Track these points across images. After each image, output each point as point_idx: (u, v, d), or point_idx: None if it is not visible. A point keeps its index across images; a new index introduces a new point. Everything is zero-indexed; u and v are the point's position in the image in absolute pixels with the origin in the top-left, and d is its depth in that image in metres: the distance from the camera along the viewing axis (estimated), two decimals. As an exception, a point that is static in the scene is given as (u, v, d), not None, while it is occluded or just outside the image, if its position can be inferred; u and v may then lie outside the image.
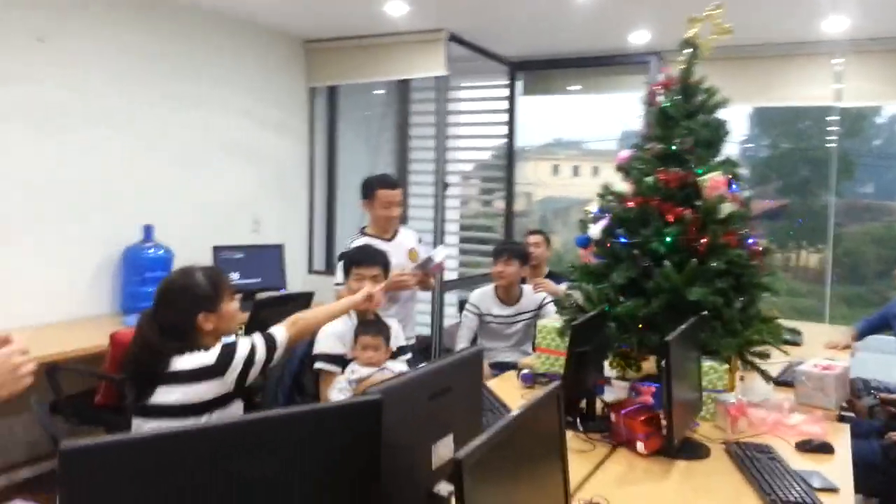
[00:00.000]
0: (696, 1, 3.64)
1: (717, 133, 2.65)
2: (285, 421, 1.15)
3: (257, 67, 4.83)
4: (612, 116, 7.31)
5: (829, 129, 5.57)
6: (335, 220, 5.45)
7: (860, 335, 3.79)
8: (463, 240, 6.01)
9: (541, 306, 3.76)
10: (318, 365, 2.70)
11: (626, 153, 2.77)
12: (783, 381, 2.80)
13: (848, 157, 9.14)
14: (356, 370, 2.65)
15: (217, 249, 4.30)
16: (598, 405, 2.42)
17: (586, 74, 5.80)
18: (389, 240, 3.46)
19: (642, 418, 2.09)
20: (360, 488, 1.18)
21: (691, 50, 2.70)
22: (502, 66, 5.51)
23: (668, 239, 2.48)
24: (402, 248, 3.51)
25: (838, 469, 2.00)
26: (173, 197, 4.29)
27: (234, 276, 4.30)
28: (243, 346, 2.02)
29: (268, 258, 4.66)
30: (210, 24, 4.47)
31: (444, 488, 1.42)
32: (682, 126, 2.60)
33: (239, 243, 4.54)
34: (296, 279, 4.98)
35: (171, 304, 2.00)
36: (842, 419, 2.53)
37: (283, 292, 4.52)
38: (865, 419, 3.05)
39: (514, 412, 1.22)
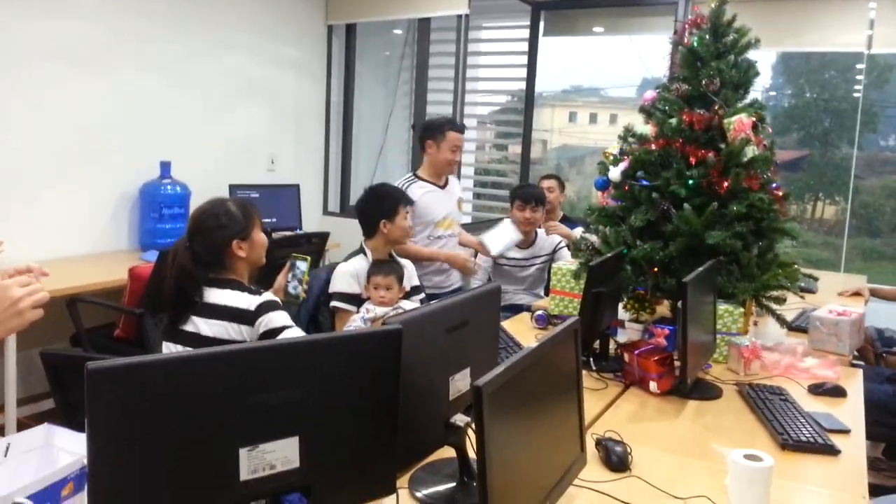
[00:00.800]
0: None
1: (746, 75, 2.59)
2: (308, 348, 1.17)
3: (274, 5, 4.74)
4: (633, 61, 7.16)
5: (856, 78, 5.42)
6: (350, 162, 5.42)
7: None
8: (477, 184, 5.99)
9: (555, 250, 3.75)
10: (333, 303, 2.74)
11: (651, 94, 2.71)
12: (797, 327, 2.80)
13: (872, 109, 8.95)
14: (370, 309, 2.68)
15: (233, 188, 4.30)
16: (612, 346, 2.44)
17: (611, 15, 5.64)
18: (443, 187, 3.52)
19: (655, 358, 2.11)
20: (381, 415, 1.21)
21: (722, -13, 2.61)
22: (525, 4, 5.36)
23: (689, 182, 2.45)
24: (453, 197, 3.59)
25: (850, 412, 2.02)
26: (192, 135, 4.28)
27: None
28: (283, 316, 2.05)
29: (284, 198, 4.66)
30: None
31: (460, 419, 1.46)
32: (711, 66, 2.53)
33: (255, 182, 4.54)
34: (311, 220, 5.00)
35: (206, 232, 2.05)
36: (854, 365, 2.53)
37: (298, 232, 4.54)
38: (874, 365, 3.07)
39: (533, 345, 1.23)
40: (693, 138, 2.50)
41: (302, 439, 1.10)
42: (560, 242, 3.75)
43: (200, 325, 2.00)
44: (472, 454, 1.45)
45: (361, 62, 5.43)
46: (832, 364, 2.34)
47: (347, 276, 2.78)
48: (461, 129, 3.45)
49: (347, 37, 5.27)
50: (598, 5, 5.31)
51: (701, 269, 2.14)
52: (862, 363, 2.91)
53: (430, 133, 3.41)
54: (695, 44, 2.60)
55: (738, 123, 2.45)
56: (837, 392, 2.15)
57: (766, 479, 1.41)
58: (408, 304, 2.97)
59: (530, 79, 5.51)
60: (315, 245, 3.82)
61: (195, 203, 3.94)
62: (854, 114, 5.46)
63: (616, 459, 1.58)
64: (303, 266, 2.54)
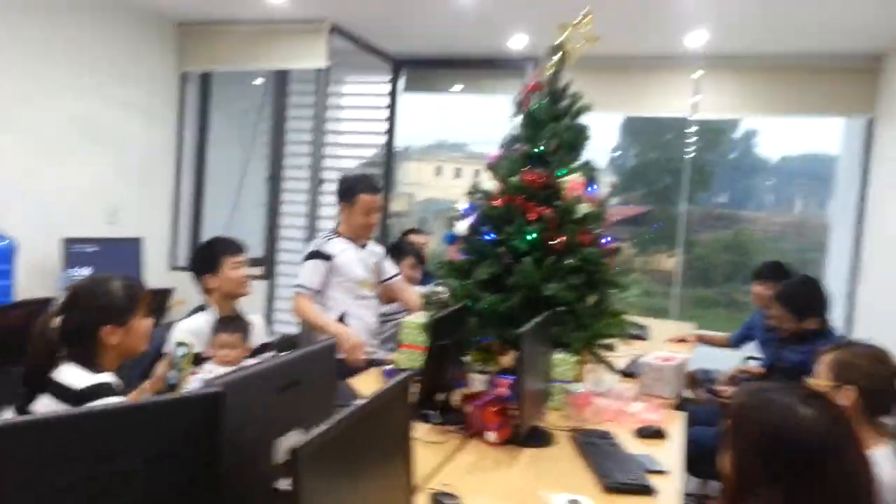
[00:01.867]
0: (573, 10, 3.84)
1: (579, 137, 2.79)
2: (120, 415, 1.11)
3: (123, 48, 4.57)
4: (493, 119, 7.52)
5: (687, 140, 6.00)
6: (203, 214, 5.24)
7: (733, 344, 4.12)
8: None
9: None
10: None
11: (496, 153, 2.86)
12: (629, 373, 2.99)
13: (705, 168, 9.91)
14: (212, 370, 2.57)
15: (68, 241, 4.02)
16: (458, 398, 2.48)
17: (469, 76, 5.92)
18: (362, 247, 3.27)
19: (494, 409, 2.18)
20: (202, 485, 1.16)
21: (560, 55, 2.82)
22: (385, 62, 5.51)
23: (528, 236, 2.58)
24: (370, 260, 3.31)
25: (670, 454, 2.17)
26: (20, 184, 3.96)
27: (86, 271, 4.04)
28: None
29: (124, 252, 4.41)
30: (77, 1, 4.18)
31: (286, 483, 1.42)
32: (549, 129, 2.72)
33: (94, 235, 4.26)
34: (157, 275, 4.75)
35: (78, 309, 1.84)
36: (680, 407, 2.74)
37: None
38: (704, 406, 3.32)
39: (358, 402, 1.23)
40: (532, 195, 2.66)
41: (103, 519, 1.03)
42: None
43: (39, 406, 1.80)
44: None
45: (218, 112, 5.32)
46: (657, 407, 2.52)
47: (186, 333, 2.65)
48: (375, 190, 3.16)
49: (203, 85, 5.16)
50: (454, 66, 5.54)
51: (537, 319, 2.25)
52: (695, 407, 3.15)
53: (341, 194, 3.19)
54: (534, 107, 2.79)
55: (572, 183, 2.64)
56: (660, 434, 2.31)
57: (585, 524, 1.49)
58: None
59: (390, 133, 5.64)
60: (157, 303, 3.64)
61: (23, 259, 3.67)
62: (685, 172, 6.00)
63: (449, 513, 1.61)
64: (181, 351, 2.35)
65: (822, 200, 10.16)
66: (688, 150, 5.89)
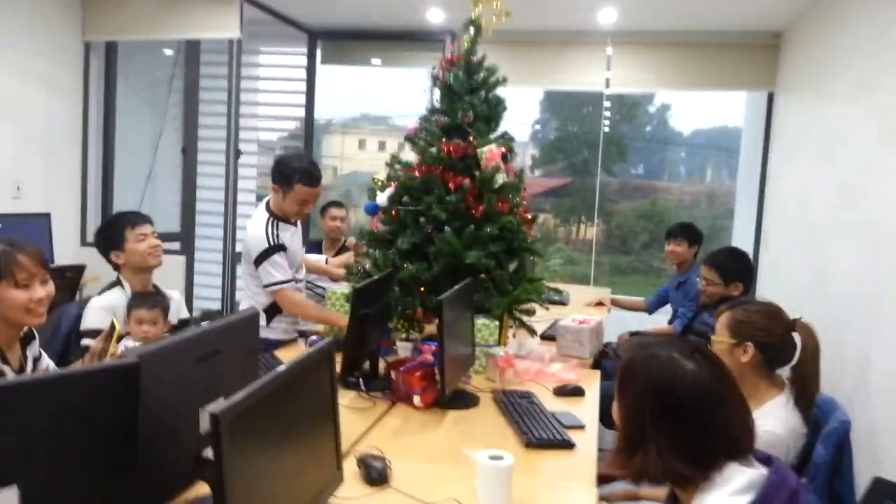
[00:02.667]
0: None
1: (496, 109, 2.85)
2: (34, 387, 1.10)
3: (24, 15, 4.29)
4: (412, 92, 7.51)
5: (602, 112, 6.18)
6: (112, 188, 5.03)
7: (649, 309, 4.32)
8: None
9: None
10: (85, 342, 2.50)
11: (414, 125, 2.88)
12: (548, 336, 3.11)
13: (623, 141, 10.23)
14: (129, 347, 2.51)
15: (-31, 218, 3.80)
16: (382, 365, 2.52)
17: (387, 48, 5.87)
18: (294, 224, 3.06)
19: (419, 374, 2.23)
20: (118, 455, 1.16)
21: (474, 29, 2.85)
22: (301, 33, 5.40)
23: (448, 206, 2.63)
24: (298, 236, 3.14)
25: (587, 409, 2.29)
26: None
27: (-9, 248, 3.83)
28: None
29: (32, 228, 4.19)
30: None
31: (209, 453, 1.43)
32: (465, 101, 2.75)
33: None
34: (66, 251, 4.55)
35: None
36: (596, 365, 2.87)
37: (50, 266, 4.11)
38: (613, 360, 3.49)
39: (281, 368, 1.25)
40: (451, 166, 2.70)
41: (22, 487, 1.02)
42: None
43: None
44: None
45: (126, 83, 5.09)
46: (574, 367, 2.63)
47: (101, 310, 2.57)
48: (314, 181, 2.89)
49: (108, 55, 4.92)
50: (372, 38, 5.48)
51: (457, 286, 2.30)
52: (608, 362, 3.30)
53: (277, 178, 2.91)
54: (451, 80, 2.82)
55: (490, 153, 2.69)
56: (577, 392, 2.43)
57: (507, 476, 1.56)
58: (174, 338, 2.82)
59: (310, 106, 5.55)
60: (70, 279, 3.51)
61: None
62: (606, 146, 6.17)
63: (376, 474, 1.65)
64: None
65: (731, 170, 10.70)
66: (605, 123, 6.08)
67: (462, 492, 1.59)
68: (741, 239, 5.19)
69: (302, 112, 5.57)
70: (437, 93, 2.93)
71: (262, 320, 2.92)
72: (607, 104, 6.42)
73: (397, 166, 2.83)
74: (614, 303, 4.28)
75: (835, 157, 3.40)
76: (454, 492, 1.60)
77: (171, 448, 1.31)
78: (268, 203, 2.98)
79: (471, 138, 2.73)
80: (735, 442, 1.19)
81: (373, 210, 2.88)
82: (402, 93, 6.73)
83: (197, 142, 4.80)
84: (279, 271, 2.84)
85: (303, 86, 5.55)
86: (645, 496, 2.04)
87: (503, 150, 2.75)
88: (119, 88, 4.99)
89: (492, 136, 2.82)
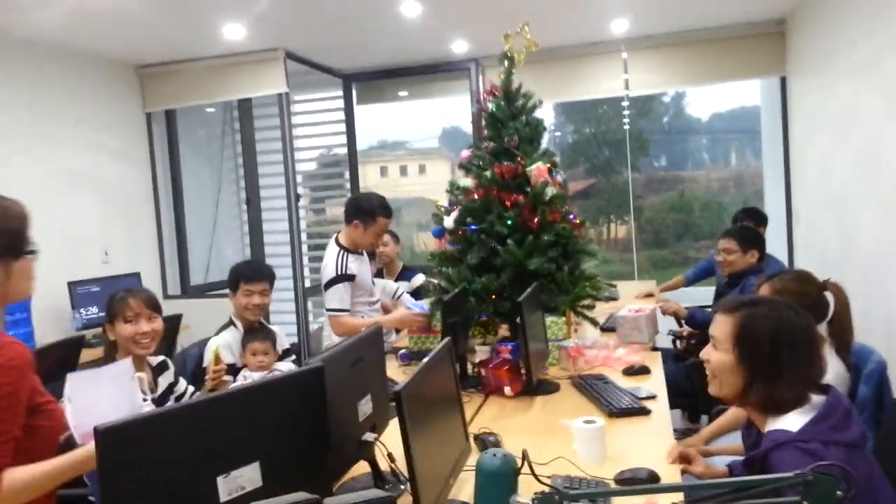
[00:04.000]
0: (507, 13, 4.25)
1: (536, 130, 3.20)
2: (258, 389, 1.46)
3: (91, 96, 4.80)
4: (432, 115, 7.94)
5: (623, 112, 6.48)
6: (185, 243, 5.50)
7: (688, 282, 4.63)
8: (311, 247, 6.29)
9: (396, 296, 4.17)
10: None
11: (466, 153, 3.25)
12: (608, 328, 3.43)
13: (642, 136, 10.44)
14: (248, 375, 2.91)
15: (72, 285, 4.26)
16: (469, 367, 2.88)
17: (413, 82, 6.28)
18: (361, 254, 3.42)
19: (506, 368, 2.58)
20: (315, 437, 1.52)
21: (508, 61, 3.22)
22: (336, 78, 5.84)
23: (508, 221, 2.99)
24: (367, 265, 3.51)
25: (655, 383, 2.62)
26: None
27: (94, 310, 4.29)
28: None
29: (125, 286, 4.64)
30: (39, 56, 4.40)
31: (369, 435, 1.80)
32: (510, 127, 3.12)
33: (91, 276, 4.50)
34: (156, 304, 5.00)
35: None
36: (654, 349, 3.19)
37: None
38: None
39: (425, 360, 1.61)
40: (505, 186, 3.06)
41: (262, 463, 1.39)
42: (398, 289, 4.18)
43: None
44: (381, 464, 1.79)
45: (183, 144, 5.58)
46: (637, 351, 2.96)
47: (220, 348, 2.97)
48: (390, 213, 3.30)
49: (168, 121, 5.41)
50: (402, 75, 5.88)
51: (528, 290, 2.65)
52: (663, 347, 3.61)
53: (360, 214, 3.26)
54: (493, 109, 3.19)
55: (538, 170, 3.04)
56: (644, 371, 2.75)
57: (601, 435, 1.90)
58: (283, 366, 3.22)
59: (351, 143, 5.97)
60: (169, 328, 3.92)
61: (36, 306, 3.90)
62: (625, 143, 6.46)
63: (491, 446, 1.99)
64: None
65: (755, 151, 10.84)
66: (623, 121, 6.39)
67: (565, 453, 1.93)
68: (773, 218, 5.44)
69: (333, 150, 5.96)
70: (480, 122, 3.29)
71: None
72: (625, 103, 6.75)
73: (457, 191, 3.19)
74: (661, 289, 4.59)
75: (849, 131, 3.69)
76: (559, 453, 1.94)
77: (344, 433, 1.68)
78: (336, 238, 3.39)
79: (518, 159, 3.09)
80: (817, 376, 1.53)
81: (439, 233, 3.25)
82: (419, 118, 7.14)
83: (259, 190, 5.24)
84: (337, 300, 3.24)
85: (340, 127, 5.99)
86: (717, 451, 2.34)
87: (548, 165, 3.10)
88: (180, 150, 5.47)
89: (536, 155, 3.16)
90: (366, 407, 1.82)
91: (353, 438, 1.74)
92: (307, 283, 5.25)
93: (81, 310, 4.21)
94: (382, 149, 10.46)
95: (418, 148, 8.99)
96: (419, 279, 4.14)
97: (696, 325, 3.61)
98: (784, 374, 1.50)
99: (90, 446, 1.48)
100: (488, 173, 3.08)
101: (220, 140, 6.09)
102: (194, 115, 5.80)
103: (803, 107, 4.78)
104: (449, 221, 3.13)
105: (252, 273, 3.08)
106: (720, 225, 10.15)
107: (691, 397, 3.49)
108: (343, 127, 5.97)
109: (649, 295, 4.38)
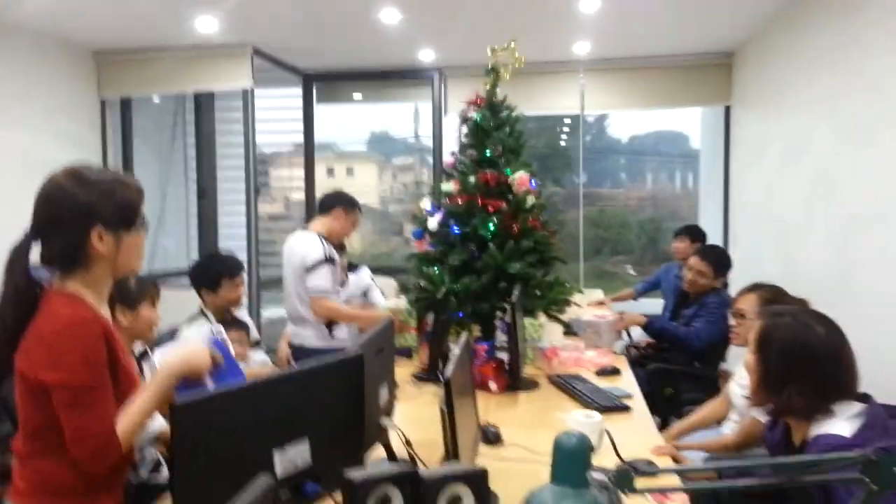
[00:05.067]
0: (478, 28, 4.38)
1: (519, 141, 3.34)
2: (307, 374, 1.52)
3: (43, 78, 4.64)
4: (360, 121, 8.04)
5: (556, 129, 6.72)
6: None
7: (637, 295, 4.87)
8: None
9: (364, 293, 4.22)
10: None
11: (451, 159, 3.36)
12: (569, 331, 3.60)
13: (568, 153, 10.79)
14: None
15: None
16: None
17: (369, 86, 6.35)
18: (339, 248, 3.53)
19: (491, 365, 2.69)
20: (353, 419, 1.59)
21: (494, 74, 3.35)
22: (296, 76, 5.84)
23: (490, 226, 3.11)
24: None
25: (629, 383, 2.79)
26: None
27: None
28: None
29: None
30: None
31: (386, 421, 1.87)
32: (494, 136, 3.25)
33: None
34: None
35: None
36: (618, 353, 3.37)
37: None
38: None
39: (456, 353, 1.71)
40: (489, 192, 3.18)
41: (311, 441, 1.45)
42: (368, 284, 4.23)
43: None
44: (397, 449, 1.87)
45: (137, 134, 5.44)
46: (606, 353, 3.14)
47: (194, 342, 2.95)
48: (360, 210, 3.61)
49: (123, 110, 5.27)
50: (365, 78, 5.94)
51: (516, 292, 2.78)
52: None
53: (343, 202, 3.50)
54: (478, 119, 3.31)
55: (520, 179, 3.18)
56: (616, 372, 2.92)
57: (600, 429, 2.03)
58: (257, 356, 3.23)
59: (309, 143, 5.97)
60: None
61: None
62: (553, 159, 6.70)
63: (492, 436, 2.11)
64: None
65: (669, 174, 11.41)
66: (561, 138, 6.62)
67: (564, 444, 2.05)
68: (710, 239, 5.80)
69: (268, 148, 5.95)
70: (464, 130, 3.41)
71: (325, 333, 3.35)
72: (567, 120, 7.02)
73: (440, 196, 3.29)
74: (613, 300, 4.82)
75: (800, 160, 4.00)
76: (557, 445, 2.06)
77: (371, 417, 1.75)
78: (310, 229, 3.46)
79: (502, 168, 3.22)
80: (849, 384, 1.63)
81: (420, 235, 3.33)
82: (347, 122, 7.22)
83: (216, 184, 5.17)
84: (322, 281, 3.29)
85: (298, 125, 6.00)
86: (685, 447, 2.53)
87: (530, 175, 3.25)
88: (134, 140, 5.34)
89: (517, 164, 3.30)
90: (384, 393, 1.89)
91: (375, 423, 1.81)
92: (268, 273, 5.24)
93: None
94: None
95: (346, 150, 9.05)
96: (366, 272, 4.17)
97: (654, 332, 3.82)
98: (792, 382, 1.61)
99: (160, 369, 1.58)
100: (472, 179, 3.20)
101: (171, 132, 5.96)
102: (144, 106, 5.66)
103: (747, 135, 5.13)
104: (433, 223, 3.22)
105: (234, 266, 3.09)
106: (637, 242, 10.65)
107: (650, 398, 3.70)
108: (300, 126, 5.99)
109: (601, 303, 4.59)
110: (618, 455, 1.23)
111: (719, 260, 3.80)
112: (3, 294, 1.48)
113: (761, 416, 2.09)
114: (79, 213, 1.48)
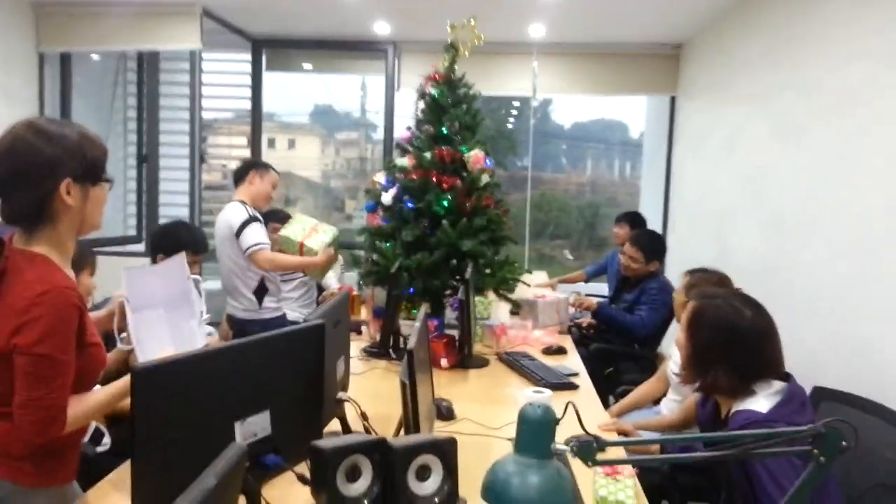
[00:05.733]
0: (433, 4, 4.35)
1: (475, 119, 3.35)
2: (262, 343, 1.50)
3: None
4: (304, 92, 7.90)
5: (510, 112, 6.78)
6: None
7: (588, 277, 4.98)
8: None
9: None
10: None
11: (406, 134, 3.34)
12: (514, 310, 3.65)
13: (512, 136, 10.90)
14: None
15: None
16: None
17: (320, 56, 6.22)
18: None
19: (443, 342, 2.72)
20: (313, 390, 1.59)
21: (453, 51, 3.34)
22: (246, 41, 5.67)
23: (444, 203, 3.12)
24: None
25: (574, 362, 2.86)
26: None
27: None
28: None
29: None
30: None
31: (343, 395, 1.88)
32: (451, 113, 3.24)
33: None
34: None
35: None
36: (562, 333, 3.45)
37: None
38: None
39: (417, 325, 1.72)
40: (443, 169, 3.18)
41: (271, 412, 1.44)
42: None
43: None
44: (351, 424, 1.88)
45: (76, 91, 5.20)
46: (552, 333, 3.21)
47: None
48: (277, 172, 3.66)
49: (62, 65, 5.01)
50: (318, 47, 5.82)
51: (469, 269, 2.80)
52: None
53: (255, 167, 3.54)
54: (436, 95, 3.30)
55: (475, 157, 3.20)
56: (561, 351, 3.00)
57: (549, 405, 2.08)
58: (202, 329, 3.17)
59: (256, 111, 5.83)
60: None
61: None
62: (497, 140, 6.76)
63: (445, 411, 2.14)
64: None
65: (608, 162, 11.67)
66: (508, 121, 6.67)
67: (514, 419, 2.10)
68: (649, 225, 5.97)
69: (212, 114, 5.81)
70: (420, 106, 3.39)
71: (254, 304, 3.32)
72: (516, 104, 7.06)
73: (395, 170, 3.28)
74: (561, 281, 4.92)
75: (735, 153, 4.16)
76: (509, 420, 2.10)
77: (329, 390, 1.75)
78: (234, 201, 3.44)
79: (457, 145, 3.23)
80: (772, 366, 1.73)
81: (372, 208, 3.32)
82: (291, 93, 7.10)
83: (158, 149, 5.00)
84: (258, 236, 3.29)
85: (245, 91, 5.84)
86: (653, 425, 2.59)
87: (485, 153, 3.26)
88: (74, 97, 5.10)
89: (473, 142, 3.31)
90: (341, 367, 1.89)
91: (332, 397, 1.81)
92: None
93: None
94: (246, 118, 10.24)
95: (288, 121, 8.88)
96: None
97: (602, 318, 3.92)
98: (719, 364, 1.71)
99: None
100: (428, 155, 3.19)
101: (112, 91, 5.71)
102: (83, 62, 5.40)
103: (689, 126, 5.28)
104: (387, 198, 3.20)
105: (199, 244, 2.99)
106: (576, 227, 10.89)
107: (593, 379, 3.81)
108: (243, 92, 5.84)
109: (549, 285, 4.68)
110: (582, 427, 1.26)
111: (650, 245, 3.92)
112: None
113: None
114: (46, 168, 1.43)
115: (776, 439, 1.11)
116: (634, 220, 4.80)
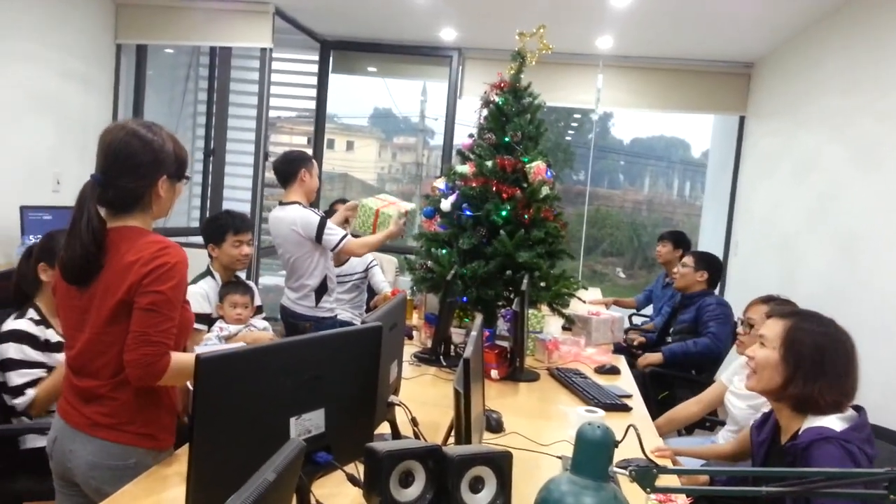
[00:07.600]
0: (503, 13, 4.34)
1: (539, 130, 3.32)
2: (323, 340, 1.50)
3: (61, 18, 4.55)
4: (367, 95, 7.96)
5: (560, 125, 6.69)
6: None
7: (638, 307, 4.99)
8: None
9: (367, 269, 4.21)
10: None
11: (468, 141, 3.33)
12: (566, 326, 3.60)
13: (569, 149, 10.76)
14: (224, 327, 2.89)
15: (25, 210, 4.04)
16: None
17: (385, 59, 6.28)
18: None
19: (495, 352, 2.69)
20: (367, 391, 1.58)
21: (520, 59, 3.32)
22: (314, 42, 5.77)
23: (503, 213, 3.09)
24: None
25: (628, 383, 2.79)
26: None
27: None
28: None
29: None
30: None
31: (394, 398, 1.87)
32: (515, 122, 3.22)
33: (43, 203, 4.28)
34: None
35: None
36: (616, 351, 3.38)
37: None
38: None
39: (474, 333, 1.70)
40: (504, 178, 3.16)
41: (326, 410, 1.44)
42: (372, 261, 4.21)
43: None
44: (401, 428, 1.87)
45: (149, 83, 5.37)
46: (605, 351, 3.14)
47: (198, 296, 2.93)
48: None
49: (138, 56, 5.19)
50: (385, 52, 5.87)
51: (525, 282, 2.77)
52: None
53: (302, 163, 3.44)
54: (500, 103, 3.28)
55: (537, 168, 3.16)
56: (615, 371, 2.93)
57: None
58: (257, 322, 3.21)
59: (321, 110, 5.92)
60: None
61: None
62: (554, 153, 6.68)
63: (494, 423, 2.11)
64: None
65: (667, 180, 11.42)
66: (568, 133, 6.58)
67: (566, 437, 2.06)
68: (711, 246, 5.81)
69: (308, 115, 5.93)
70: (484, 113, 3.38)
71: (312, 301, 3.35)
72: (576, 115, 6.97)
73: (455, 177, 3.27)
74: (614, 301, 4.85)
75: (808, 176, 4.01)
76: (559, 436, 2.06)
77: (382, 393, 1.74)
78: (289, 203, 3.42)
79: (519, 154, 3.20)
80: (852, 389, 1.70)
81: (430, 214, 3.31)
82: (355, 95, 7.17)
83: (226, 143, 5.11)
84: (337, 231, 3.35)
85: (311, 91, 5.94)
86: (684, 452, 2.53)
87: (546, 165, 3.23)
88: (147, 88, 5.27)
89: (535, 153, 3.28)
90: (394, 370, 1.88)
91: (384, 399, 1.80)
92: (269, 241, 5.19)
93: (31, 236, 3.99)
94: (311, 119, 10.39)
95: (349, 124, 8.96)
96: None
97: (671, 361, 3.76)
98: (823, 378, 1.67)
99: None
100: (489, 163, 3.17)
101: (184, 85, 5.88)
102: (157, 55, 5.57)
103: (758, 147, 5.13)
104: (446, 204, 3.19)
105: (241, 223, 3.05)
106: (629, 245, 10.66)
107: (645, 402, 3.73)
108: (308, 92, 5.95)
109: (605, 303, 4.61)
110: (644, 452, 1.22)
111: (700, 255, 4.02)
112: (75, 223, 1.62)
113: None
114: (154, 164, 1.67)
115: (850, 479, 1.05)
116: (678, 238, 4.71)
